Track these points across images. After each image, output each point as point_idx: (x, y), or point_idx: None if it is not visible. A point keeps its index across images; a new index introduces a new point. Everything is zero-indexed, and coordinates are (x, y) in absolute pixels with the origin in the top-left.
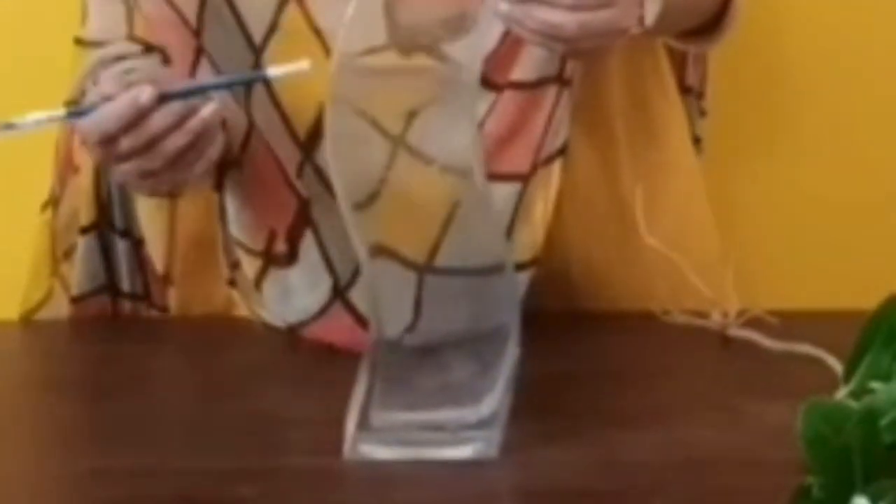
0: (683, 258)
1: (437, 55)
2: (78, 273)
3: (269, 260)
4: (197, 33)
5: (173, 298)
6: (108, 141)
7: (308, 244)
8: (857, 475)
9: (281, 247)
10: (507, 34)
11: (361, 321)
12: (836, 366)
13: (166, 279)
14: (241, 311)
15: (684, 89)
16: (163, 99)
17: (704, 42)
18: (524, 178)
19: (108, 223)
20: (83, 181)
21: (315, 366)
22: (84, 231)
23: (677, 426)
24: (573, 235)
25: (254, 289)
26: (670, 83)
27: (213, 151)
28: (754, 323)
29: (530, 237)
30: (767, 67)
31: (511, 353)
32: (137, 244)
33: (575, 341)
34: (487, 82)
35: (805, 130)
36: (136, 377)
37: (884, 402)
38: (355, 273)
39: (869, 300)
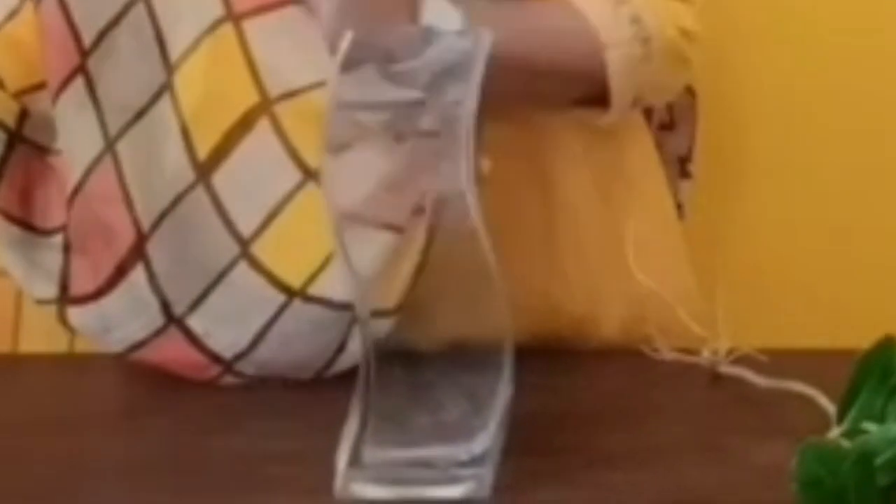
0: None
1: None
2: None
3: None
4: (86, 53)
5: None
6: None
7: (137, 276)
8: None
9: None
10: None
11: (198, 344)
12: (828, 405)
13: None
14: None
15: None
16: None
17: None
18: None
19: None
20: None
21: (296, 397)
22: None
23: (668, 466)
24: (562, 273)
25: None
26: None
27: None
28: (745, 360)
29: (399, 285)
30: (768, 97)
31: (504, 392)
32: None
33: (564, 379)
34: None
35: (798, 166)
36: (112, 414)
37: (878, 442)
38: (196, 302)
39: (860, 339)
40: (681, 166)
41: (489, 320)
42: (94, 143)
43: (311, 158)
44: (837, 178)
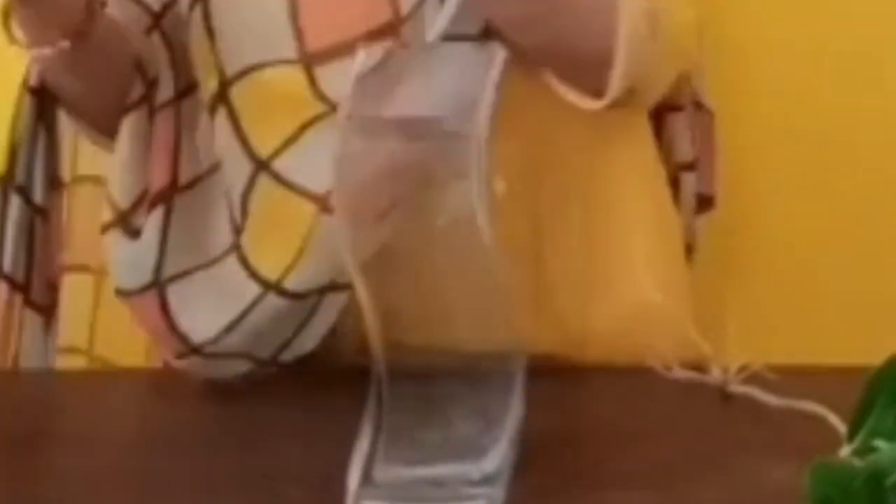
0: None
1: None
2: None
3: (121, 221)
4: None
5: None
6: None
7: (154, 221)
8: None
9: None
10: None
11: (167, 317)
12: (838, 423)
13: None
14: None
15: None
16: None
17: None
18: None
19: (10, 175)
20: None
21: (306, 415)
22: None
23: (679, 485)
24: (569, 294)
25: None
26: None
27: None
28: (755, 378)
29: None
30: (781, 111)
31: (515, 410)
32: (36, 211)
33: (575, 397)
34: None
35: (808, 181)
36: (129, 432)
37: (889, 461)
38: (182, 274)
39: (871, 357)
40: (698, 203)
41: (501, 339)
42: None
43: (262, 147)
44: (849, 194)
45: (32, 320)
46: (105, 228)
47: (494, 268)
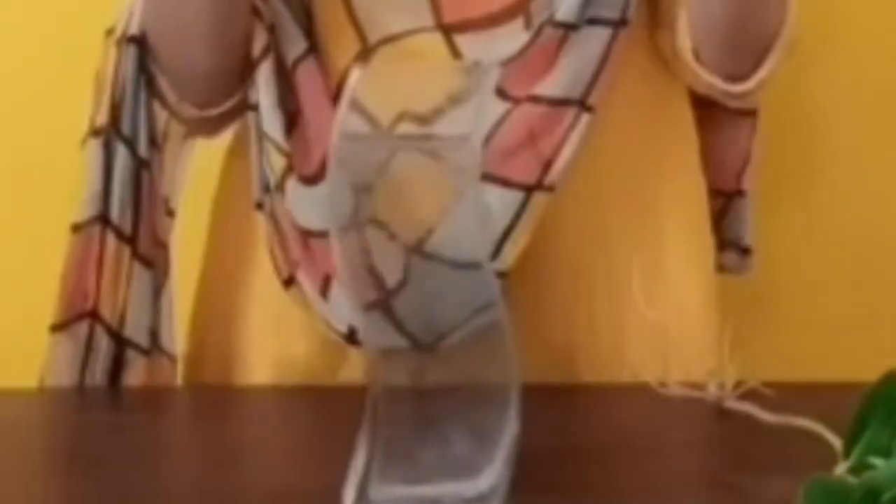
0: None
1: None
2: (81, 190)
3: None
4: None
5: None
6: None
7: None
8: None
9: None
10: (529, 46)
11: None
12: (834, 440)
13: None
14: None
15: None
16: None
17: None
18: (529, 189)
19: (116, 126)
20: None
21: (301, 432)
22: (96, 133)
23: (675, 501)
24: (568, 305)
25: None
26: (688, 155)
27: None
28: (751, 395)
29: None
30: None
31: (511, 428)
32: (142, 164)
33: (570, 414)
34: (503, 93)
35: (803, 199)
36: (137, 448)
37: (884, 478)
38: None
39: (866, 373)
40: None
41: (496, 357)
42: None
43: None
44: (844, 210)
45: (140, 275)
46: (285, 174)
47: (489, 282)
